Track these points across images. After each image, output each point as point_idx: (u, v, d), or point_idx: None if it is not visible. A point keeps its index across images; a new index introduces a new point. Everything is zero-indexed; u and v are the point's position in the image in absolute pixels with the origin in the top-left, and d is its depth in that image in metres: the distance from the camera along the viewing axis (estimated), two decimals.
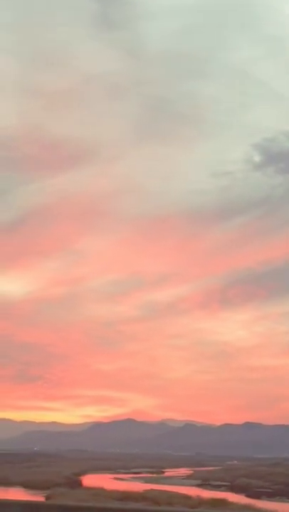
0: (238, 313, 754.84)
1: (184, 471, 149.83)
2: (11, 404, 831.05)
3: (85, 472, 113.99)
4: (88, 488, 68.45)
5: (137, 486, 77.60)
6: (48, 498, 56.51)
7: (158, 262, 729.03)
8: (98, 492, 61.39)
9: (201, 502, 53.68)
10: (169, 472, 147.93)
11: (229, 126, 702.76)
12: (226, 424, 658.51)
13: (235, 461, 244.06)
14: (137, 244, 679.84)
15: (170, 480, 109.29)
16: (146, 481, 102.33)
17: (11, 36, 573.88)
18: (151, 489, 71.24)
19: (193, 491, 70.31)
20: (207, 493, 68.76)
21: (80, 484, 79.47)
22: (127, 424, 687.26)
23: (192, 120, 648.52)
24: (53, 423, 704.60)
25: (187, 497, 60.00)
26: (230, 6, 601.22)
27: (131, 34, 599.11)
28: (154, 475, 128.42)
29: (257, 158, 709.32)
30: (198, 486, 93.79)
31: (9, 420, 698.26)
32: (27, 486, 75.05)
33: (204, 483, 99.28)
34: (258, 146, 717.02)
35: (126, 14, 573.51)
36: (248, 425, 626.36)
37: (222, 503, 54.28)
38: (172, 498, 57.23)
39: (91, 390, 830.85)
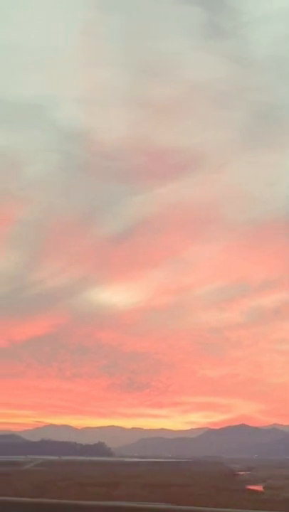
0: None
1: None
2: (121, 412, 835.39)
3: None
4: None
5: None
6: None
7: (263, 267, 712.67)
8: None
9: None
10: None
11: None
12: None
13: None
14: (242, 251, 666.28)
15: None
16: None
17: (118, 48, 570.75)
18: None
19: None
20: None
21: None
22: (240, 429, 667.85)
23: None
24: (161, 430, 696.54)
25: None
26: None
27: (238, 41, 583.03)
28: None
29: None
30: None
31: (120, 427, 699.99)
32: None
33: None
34: None
35: (233, 22, 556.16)
36: None
37: None
38: None
39: (197, 397, 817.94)
